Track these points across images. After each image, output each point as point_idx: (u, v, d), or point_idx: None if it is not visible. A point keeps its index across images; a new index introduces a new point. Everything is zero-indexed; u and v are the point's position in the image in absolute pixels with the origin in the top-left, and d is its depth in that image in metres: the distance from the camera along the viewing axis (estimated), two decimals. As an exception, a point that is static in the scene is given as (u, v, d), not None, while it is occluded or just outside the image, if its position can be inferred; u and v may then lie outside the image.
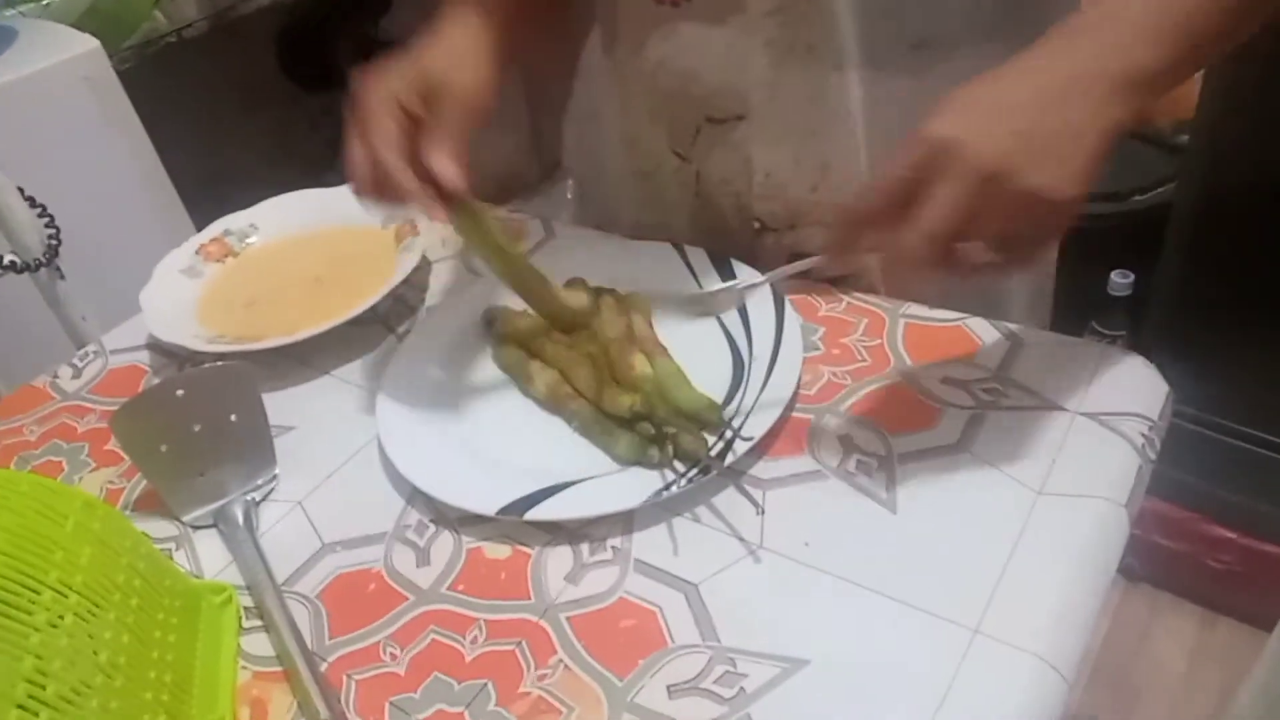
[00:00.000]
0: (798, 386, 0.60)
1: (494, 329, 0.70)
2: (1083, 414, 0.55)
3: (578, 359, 0.63)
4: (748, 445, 0.55)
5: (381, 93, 0.59)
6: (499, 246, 0.63)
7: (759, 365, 0.61)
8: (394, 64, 0.60)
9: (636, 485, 0.55)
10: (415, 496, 0.59)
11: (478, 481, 0.58)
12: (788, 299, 0.65)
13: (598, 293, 0.69)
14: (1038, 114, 0.44)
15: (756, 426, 0.56)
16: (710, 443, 0.56)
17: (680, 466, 0.55)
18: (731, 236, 0.74)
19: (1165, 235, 1.23)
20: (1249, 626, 1.33)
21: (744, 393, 0.60)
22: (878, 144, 0.66)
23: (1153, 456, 0.54)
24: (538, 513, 0.54)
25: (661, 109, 0.72)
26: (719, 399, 0.60)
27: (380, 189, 0.59)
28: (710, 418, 0.57)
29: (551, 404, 0.63)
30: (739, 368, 0.62)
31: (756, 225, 0.72)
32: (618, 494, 0.55)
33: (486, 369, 0.69)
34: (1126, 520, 0.50)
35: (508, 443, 0.62)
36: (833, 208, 0.68)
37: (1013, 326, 0.62)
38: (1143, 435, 0.54)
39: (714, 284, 0.69)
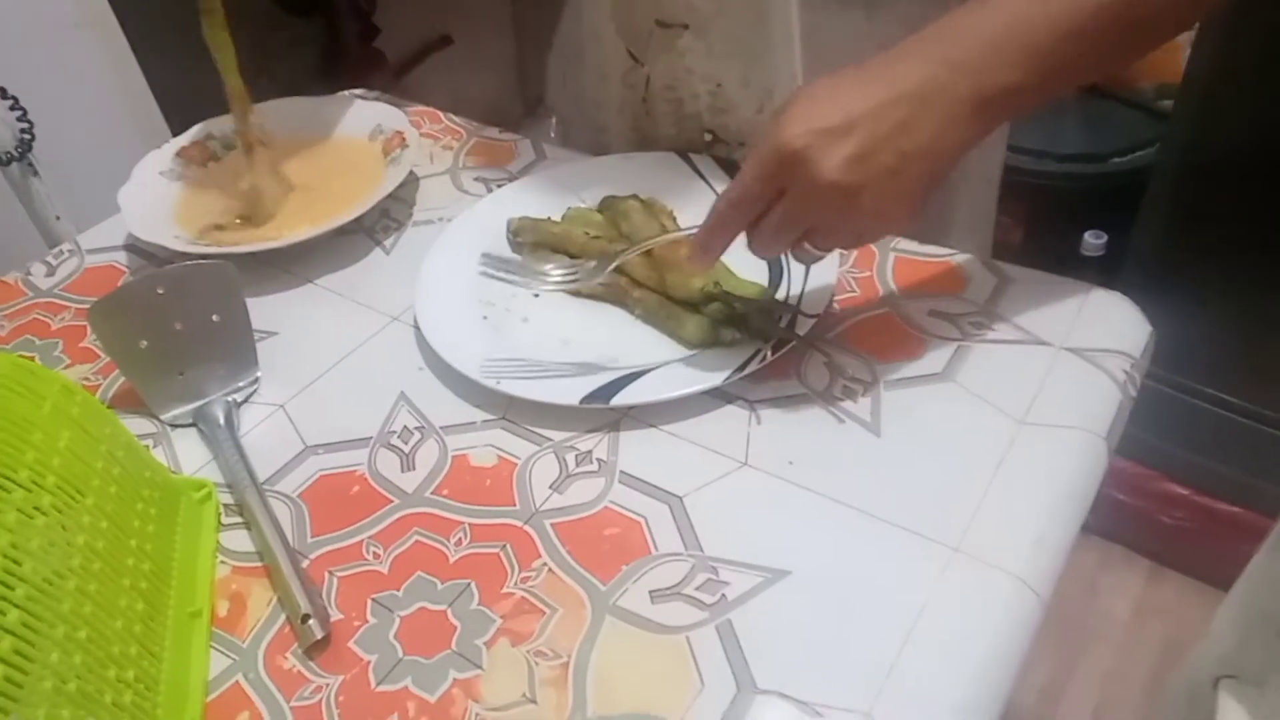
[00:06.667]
0: (840, 265, 0.62)
1: (520, 239, 0.69)
2: (1067, 349, 0.56)
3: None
4: (811, 321, 0.58)
5: None
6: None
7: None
8: None
9: (712, 366, 0.56)
10: (399, 405, 0.58)
11: (552, 377, 0.58)
12: None
13: (618, 202, 0.69)
14: (883, 133, 0.46)
15: (812, 304, 0.58)
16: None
17: (751, 344, 0.57)
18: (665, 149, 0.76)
19: (1143, 198, 1.24)
20: (1196, 581, 1.37)
21: (788, 280, 0.62)
22: (816, 76, 0.67)
23: (1133, 393, 0.55)
24: (623, 398, 0.55)
25: (621, 3, 0.73)
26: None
27: None
28: (765, 301, 0.59)
29: (610, 296, 0.64)
30: (774, 265, 0.63)
31: (708, 137, 0.74)
32: (697, 375, 0.56)
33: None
34: (1106, 452, 0.51)
35: (570, 340, 0.62)
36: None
37: (1002, 265, 0.63)
38: (1125, 372, 0.54)
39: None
